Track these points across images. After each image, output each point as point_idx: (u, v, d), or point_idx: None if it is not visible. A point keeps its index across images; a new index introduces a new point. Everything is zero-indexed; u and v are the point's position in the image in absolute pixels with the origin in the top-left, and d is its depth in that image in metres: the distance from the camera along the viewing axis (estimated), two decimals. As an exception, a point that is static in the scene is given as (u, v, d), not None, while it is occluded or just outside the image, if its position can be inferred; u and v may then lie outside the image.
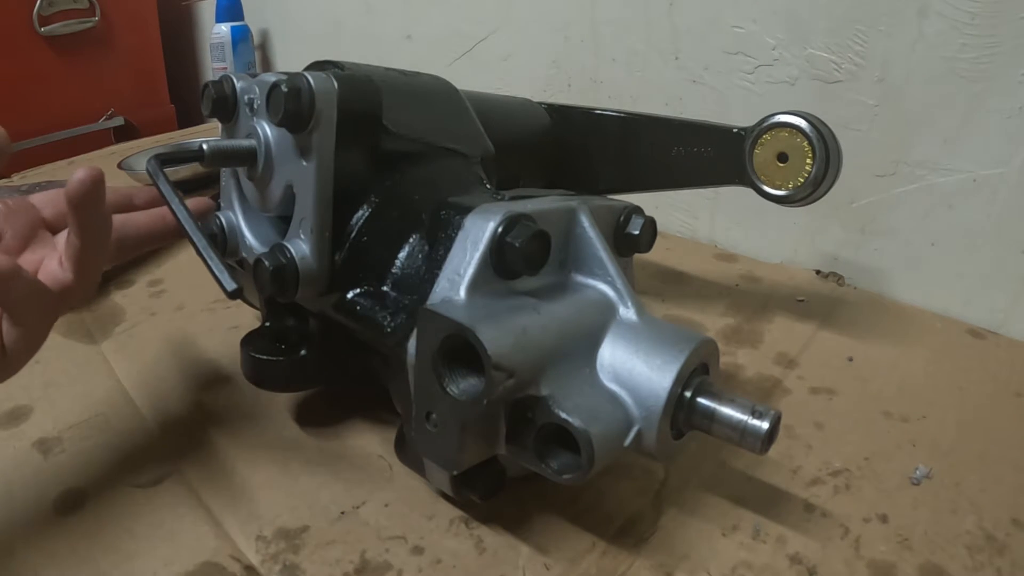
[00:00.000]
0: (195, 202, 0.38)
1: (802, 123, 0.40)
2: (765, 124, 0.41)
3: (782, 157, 0.41)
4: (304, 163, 0.32)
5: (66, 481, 0.36)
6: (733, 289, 0.56)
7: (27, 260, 0.32)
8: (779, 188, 0.41)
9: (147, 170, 0.32)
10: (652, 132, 0.47)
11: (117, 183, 0.68)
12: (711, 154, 0.45)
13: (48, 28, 1.06)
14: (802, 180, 0.40)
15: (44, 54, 1.08)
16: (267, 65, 1.17)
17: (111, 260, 0.35)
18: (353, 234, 0.34)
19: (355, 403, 0.41)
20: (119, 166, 0.80)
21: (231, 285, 0.29)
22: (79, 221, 0.28)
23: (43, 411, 0.41)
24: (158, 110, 1.26)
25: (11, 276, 0.27)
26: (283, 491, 0.35)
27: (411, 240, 0.33)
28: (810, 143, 0.40)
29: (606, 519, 0.33)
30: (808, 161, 0.40)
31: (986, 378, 0.44)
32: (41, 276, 0.30)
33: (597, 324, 0.30)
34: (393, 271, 0.33)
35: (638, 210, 0.36)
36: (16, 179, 0.86)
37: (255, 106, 0.34)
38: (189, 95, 1.33)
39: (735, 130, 0.43)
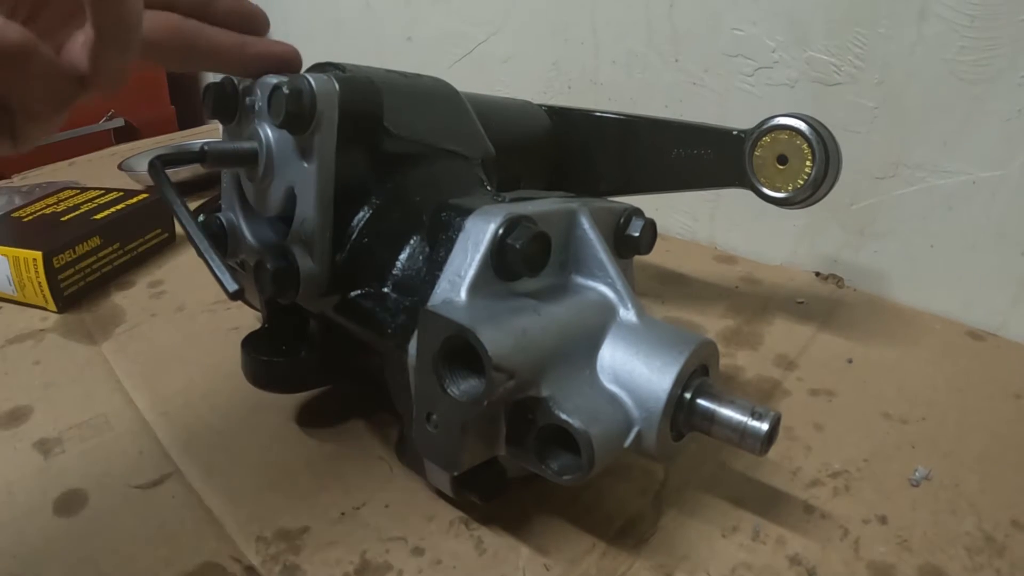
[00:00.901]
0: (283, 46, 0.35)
1: (801, 125, 0.40)
2: (765, 126, 0.41)
3: (782, 159, 0.41)
4: (305, 165, 0.32)
5: (66, 482, 0.36)
6: (733, 291, 0.56)
7: (57, 40, 0.27)
8: (779, 190, 0.41)
9: (149, 171, 0.32)
10: (652, 134, 0.47)
11: (117, 184, 0.69)
12: (711, 156, 0.45)
13: (49, 29, 1.06)
14: (802, 182, 0.40)
15: (45, 55, 1.08)
16: (267, 66, 1.17)
17: (173, 63, 0.32)
18: (354, 235, 0.34)
19: (355, 404, 0.41)
20: (119, 167, 0.80)
21: (232, 286, 0.29)
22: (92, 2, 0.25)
23: (43, 412, 0.42)
24: (158, 111, 1.27)
25: (29, 51, 0.24)
26: (283, 492, 0.35)
27: (412, 241, 0.33)
28: (809, 145, 0.40)
29: (606, 520, 0.33)
30: (808, 163, 0.40)
31: (986, 380, 0.44)
32: (63, 56, 0.26)
33: (597, 325, 0.30)
34: (394, 272, 0.33)
35: (638, 212, 0.36)
36: (16, 179, 0.86)
37: (256, 108, 0.34)
38: (189, 96, 1.33)
39: (735, 132, 0.43)
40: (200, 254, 0.30)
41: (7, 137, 0.27)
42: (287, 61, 0.35)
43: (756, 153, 0.42)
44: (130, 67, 0.27)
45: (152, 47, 0.30)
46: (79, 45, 0.26)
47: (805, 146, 0.40)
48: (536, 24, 0.71)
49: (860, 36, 0.51)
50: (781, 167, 0.41)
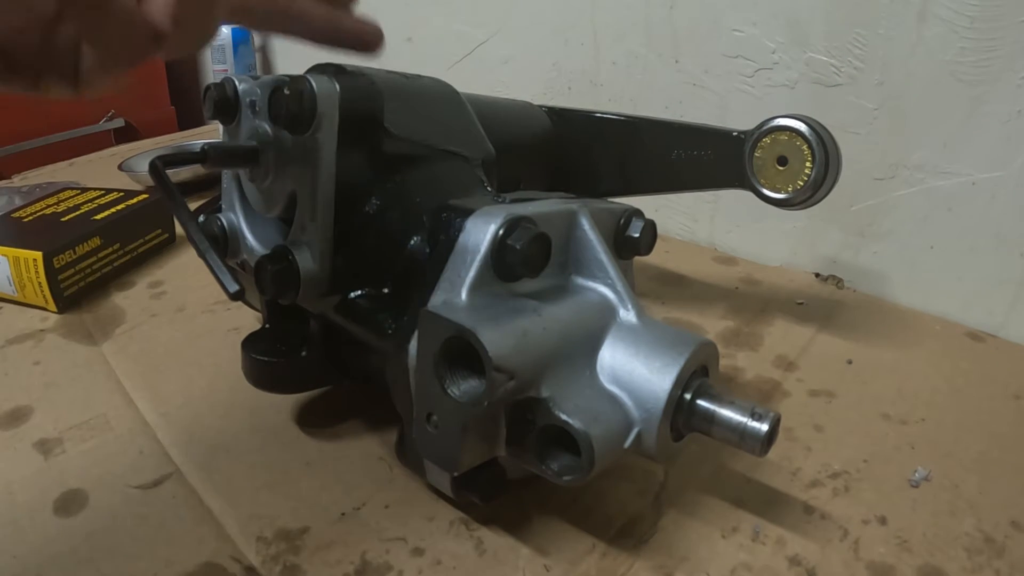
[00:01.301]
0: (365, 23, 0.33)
1: (801, 126, 0.40)
2: (765, 127, 0.41)
3: (782, 160, 0.41)
4: (306, 165, 0.32)
5: (67, 482, 0.36)
6: (733, 292, 0.56)
7: None
8: (779, 191, 0.42)
9: (149, 171, 0.32)
10: (652, 135, 0.47)
11: (118, 184, 0.69)
12: (711, 157, 0.45)
13: (49, 30, 1.06)
14: (801, 183, 0.40)
15: (45, 55, 1.08)
16: (268, 67, 1.17)
17: (259, 26, 0.30)
18: (354, 236, 0.34)
19: (355, 404, 0.41)
20: (120, 167, 0.80)
21: (233, 286, 0.30)
22: None
23: (44, 412, 0.42)
24: (158, 112, 1.27)
25: None
26: (283, 492, 0.35)
27: (412, 242, 0.33)
28: (809, 146, 0.40)
29: (606, 521, 0.33)
30: (807, 164, 0.40)
31: (985, 381, 0.44)
32: (143, 8, 0.25)
33: (597, 326, 0.30)
34: (394, 273, 0.33)
35: (638, 213, 0.36)
36: (16, 180, 0.86)
37: (257, 108, 0.34)
38: (189, 97, 1.33)
39: (735, 133, 0.43)
40: (200, 255, 0.31)
41: (70, 81, 0.26)
42: (370, 41, 0.33)
43: (756, 154, 0.42)
44: (213, 31, 0.26)
45: (241, 9, 0.29)
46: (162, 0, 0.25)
47: (805, 147, 0.40)
48: (536, 25, 0.71)
49: (860, 37, 0.51)
50: (781, 168, 0.41)
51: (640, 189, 0.50)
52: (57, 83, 0.26)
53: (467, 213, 0.30)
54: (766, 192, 0.42)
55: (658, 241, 0.37)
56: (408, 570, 0.31)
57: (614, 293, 0.32)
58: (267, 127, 0.34)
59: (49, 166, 0.92)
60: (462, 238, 0.29)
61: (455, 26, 0.79)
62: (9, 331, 0.51)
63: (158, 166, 0.32)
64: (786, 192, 0.41)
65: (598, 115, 0.50)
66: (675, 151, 0.46)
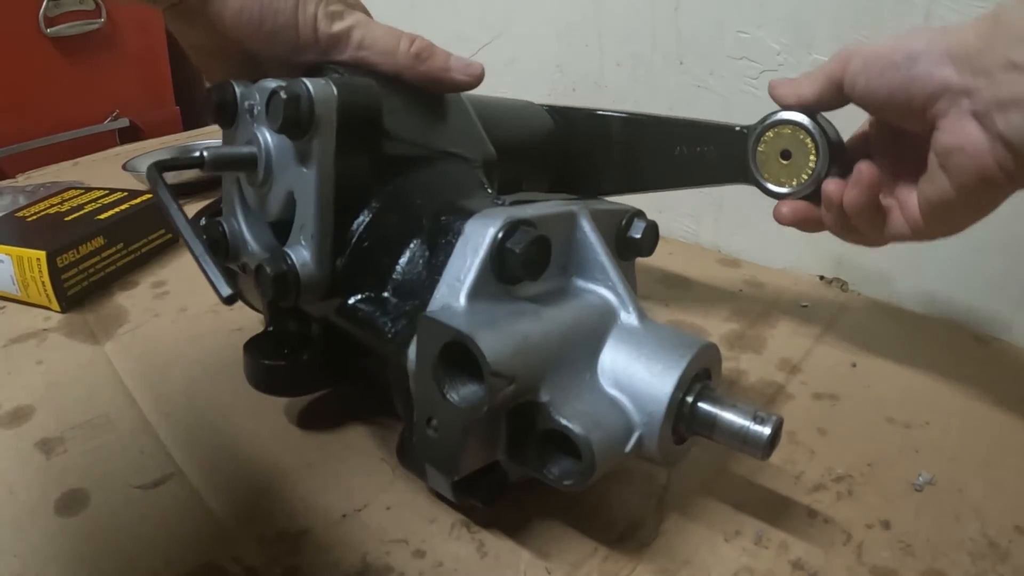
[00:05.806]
0: None
1: (804, 119, 0.40)
2: (767, 121, 0.41)
3: (785, 154, 0.41)
4: (304, 169, 0.32)
5: (68, 482, 0.36)
6: (736, 294, 0.55)
7: None
8: (783, 185, 0.41)
9: (147, 176, 0.32)
10: (654, 132, 0.47)
11: (121, 184, 0.69)
12: (714, 153, 0.45)
13: (54, 29, 1.07)
14: (806, 176, 0.40)
15: (50, 55, 1.09)
16: (272, 67, 1.17)
17: None
18: (354, 239, 0.34)
19: (357, 406, 0.41)
20: (124, 167, 0.80)
21: (226, 291, 0.29)
22: None
23: (46, 411, 0.42)
24: (163, 112, 1.27)
25: None
26: (284, 493, 0.35)
27: (412, 245, 0.33)
28: (813, 139, 0.40)
29: (608, 524, 0.33)
30: (811, 157, 0.40)
31: (990, 384, 0.43)
32: None
33: (598, 329, 0.30)
34: (394, 276, 0.33)
35: (640, 214, 0.36)
36: (20, 179, 0.87)
37: (255, 112, 0.34)
38: (194, 97, 1.33)
39: (737, 128, 0.43)
40: (195, 258, 0.30)
41: None
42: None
43: (759, 149, 0.42)
44: None
45: None
46: None
47: (808, 140, 0.40)
48: (540, 27, 0.71)
49: (865, 39, 0.50)
50: (785, 162, 0.41)
51: (643, 186, 0.49)
52: None
53: (467, 216, 0.30)
54: (770, 186, 0.42)
55: (662, 243, 0.37)
56: (409, 572, 0.31)
57: (615, 295, 0.31)
58: (265, 131, 0.34)
59: (53, 166, 0.92)
60: (461, 241, 0.29)
61: (459, 27, 0.79)
62: (12, 330, 0.51)
63: (154, 171, 0.31)
64: (790, 186, 0.41)
65: (600, 112, 0.50)
66: (677, 147, 0.46)
